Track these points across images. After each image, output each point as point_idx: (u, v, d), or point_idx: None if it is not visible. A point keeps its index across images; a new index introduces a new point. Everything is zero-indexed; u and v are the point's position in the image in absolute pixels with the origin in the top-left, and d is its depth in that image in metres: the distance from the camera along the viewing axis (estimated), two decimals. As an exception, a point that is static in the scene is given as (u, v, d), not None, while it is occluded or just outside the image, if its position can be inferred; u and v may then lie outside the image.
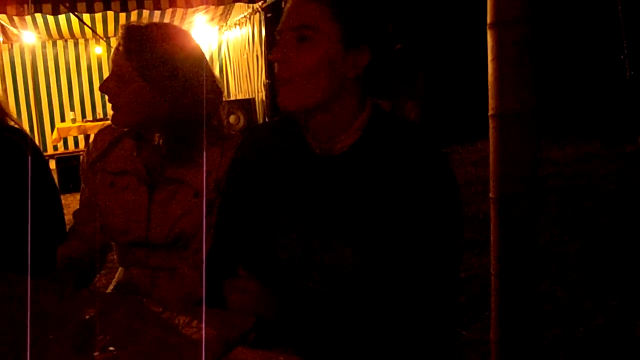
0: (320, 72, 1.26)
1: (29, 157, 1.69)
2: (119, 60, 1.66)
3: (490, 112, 1.89)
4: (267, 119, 7.43)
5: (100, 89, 1.69)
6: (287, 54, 1.27)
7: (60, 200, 1.87)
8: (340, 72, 1.28)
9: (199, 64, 1.70)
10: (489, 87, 1.88)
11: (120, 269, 1.83)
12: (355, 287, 1.29)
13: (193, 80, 1.67)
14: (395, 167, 1.26)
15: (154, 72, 1.64)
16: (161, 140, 1.73)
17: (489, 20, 1.87)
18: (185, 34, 1.75)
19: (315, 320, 1.26)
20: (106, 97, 1.68)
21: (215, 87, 1.75)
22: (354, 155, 1.31)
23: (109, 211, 1.75)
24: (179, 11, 8.18)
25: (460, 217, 1.29)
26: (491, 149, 1.90)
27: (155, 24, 1.71)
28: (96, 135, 1.88)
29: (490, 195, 1.92)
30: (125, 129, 1.79)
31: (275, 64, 1.30)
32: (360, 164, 1.29)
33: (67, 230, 1.86)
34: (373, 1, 1.30)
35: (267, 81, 7.52)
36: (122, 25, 1.69)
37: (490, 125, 1.89)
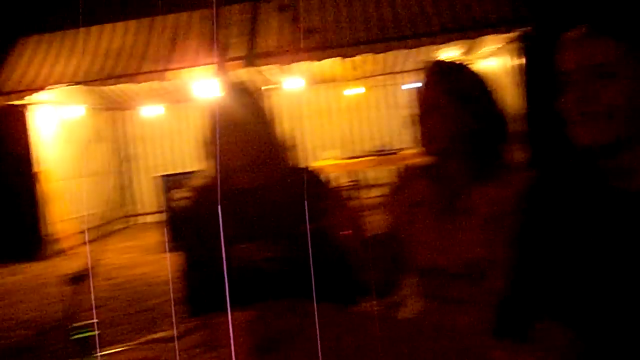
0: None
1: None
2: (431, 90, 1.76)
3: None
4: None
5: (420, 123, 1.78)
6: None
7: None
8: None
9: (491, 93, 1.78)
10: None
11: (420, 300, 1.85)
12: None
13: (489, 106, 1.75)
14: None
15: (465, 92, 1.74)
16: (456, 170, 1.77)
17: None
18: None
19: None
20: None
21: (504, 118, 1.79)
22: None
23: (408, 242, 1.82)
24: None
25: None
26: None
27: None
28: (398, 174, 1.99)
29: None
30: (426, 164, 1.86)
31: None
32: None
33: None
34: None
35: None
36: (427, 62, 1.81)
37: None
